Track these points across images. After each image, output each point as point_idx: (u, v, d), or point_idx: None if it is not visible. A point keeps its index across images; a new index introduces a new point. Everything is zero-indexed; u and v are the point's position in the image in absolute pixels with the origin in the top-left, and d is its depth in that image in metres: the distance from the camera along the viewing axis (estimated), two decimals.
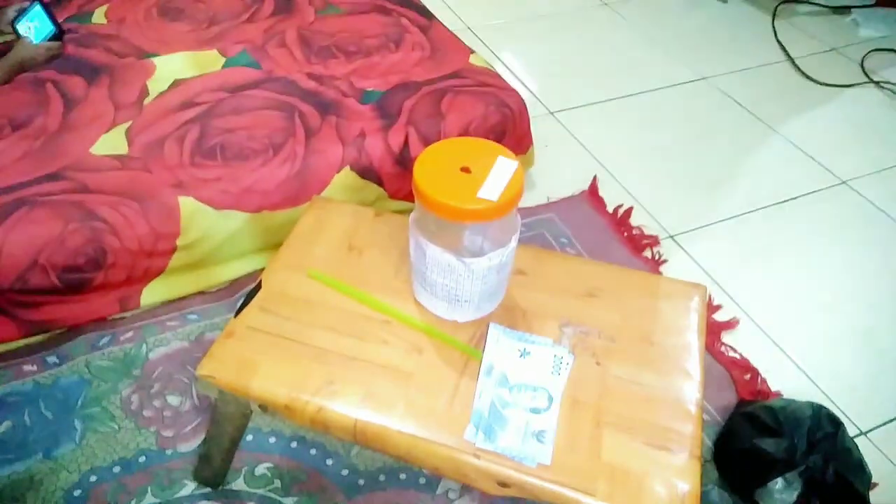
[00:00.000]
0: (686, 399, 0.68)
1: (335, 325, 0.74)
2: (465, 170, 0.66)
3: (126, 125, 1.14)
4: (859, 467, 0.82)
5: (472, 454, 0.63)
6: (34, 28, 1.25)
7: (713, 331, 1.13)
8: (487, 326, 0.74)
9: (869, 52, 1.93)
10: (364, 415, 0.66)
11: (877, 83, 1.82)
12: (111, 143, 1.11)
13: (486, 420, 0.65)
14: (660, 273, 1.24)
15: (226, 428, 0.79)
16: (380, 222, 0.86)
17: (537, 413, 0.66)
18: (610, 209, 1.36)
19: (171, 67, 1.27)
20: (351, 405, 0.67)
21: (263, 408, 0.69)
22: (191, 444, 0.92)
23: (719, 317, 1.17)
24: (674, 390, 0.69)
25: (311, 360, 0.70)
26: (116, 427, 0.94)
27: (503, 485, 0.63)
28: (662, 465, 0.63)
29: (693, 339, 0.74)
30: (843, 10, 2.15)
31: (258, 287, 0.77)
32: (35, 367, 1.00)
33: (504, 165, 0.67)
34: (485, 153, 0.68)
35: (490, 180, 0.65)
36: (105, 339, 1.04)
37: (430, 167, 0.66)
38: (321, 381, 0.68)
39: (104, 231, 1.00)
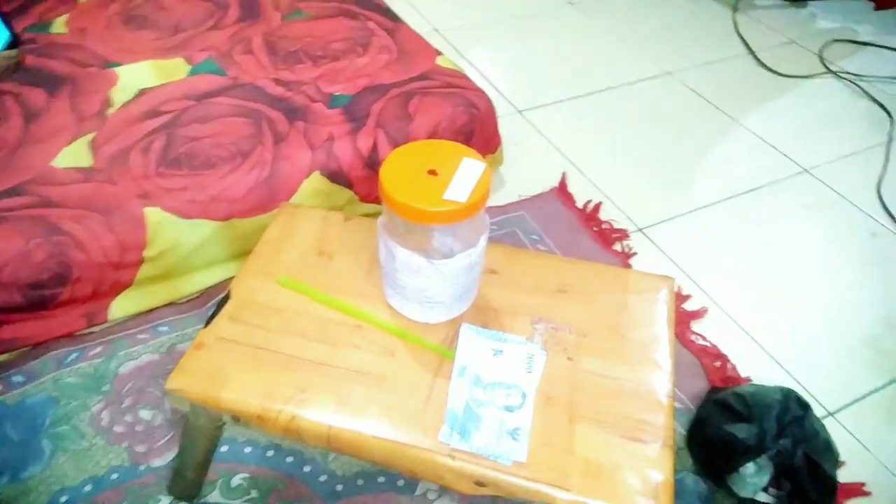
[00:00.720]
0: (657, 390, 0.70)
1: (306, 332, 0.73)
2: (432, 172, 0.66)
3: (90, 136, 1.12)
4: (827, 448, 0.84)
5: (448, 455, 0.63)
6: None
7: (683, 320, 1.15)
8: (460, 327, 0.74)
9: (826, 42, 1.98)
10: (337, 421, 0.66)
11: (835, 73, 1.87)
12: (74, 155, 1.09)
13: (460, 420, 0.65)
14: (630, 266, 1.25)
15: (198, 441, 0.78)
16: (349, 227, 0.86)
17: (511, 411, 0.66)
18: (579, 205, 1.37)
19: (136, 76, 1.25)
20: (324, 412, 0.66)
21: (236, 419, 0.68)
22: (164, 459, 0.91)
23: (689, 306, 1.19)
24: (645, 382, 0.70)
25: (282, 368, 0.69)
26: (87, 445, 0.92)
27: (480, 484, 0.63)
28: (636, 456, 0.64)
29: (662, 331, 0.76)
30: (801, 2, 2.20)
31: (227, 297, 0.76)
32: (0, 387, 0.98)
33: (470, 166, 0.67)
34: (451, 155, 0.69)
35: (456, 182, 0.65)
36: (73, 356, 1.02)
37: (397, 170, 0.66)
38: (293, 389, 0.68)
39: (68, 245, 0.98)
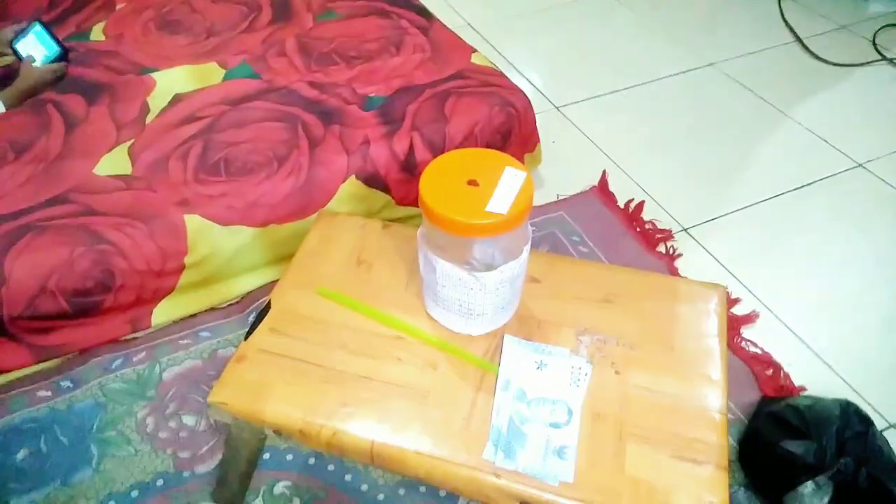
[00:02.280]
0: (710, 406, 0.66)
1: (347, 344, 0.72)
2: (473, 182, 0.64)
3: (128, 144, 1.13)
4: (892, 468, 0.79)
5: (493, 473, 0.62)
6: (39, 50, 1.24)
7: (732, 326, 1.11)
8: (502, 338, 0.72)
9: (880, 28, 1.88)
10: (380, 437, 0.65)
11: (890, 60, 1.77)
12: (114, 163, 1.10)
13: (504, 438, 0.64)
14: (675, 268, 1.21)
15: (241, 452, 0.79)
16: (388, 235, 0.84)
17: (557, 427, 0.64)
18: (621, 204, 1.33)
19: (171, 82, 1.25)
20: (366, 427, 0.65)
21: (278, 433, 0.68)
22: (208, 465, 0.92)
23: (738, 311, 1.14)
24: (697, 398, 0.67)
25: (324, 381, 0.69)
26: (133, 451, 0.93)
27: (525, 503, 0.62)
28: (688, 477, 0.61)
29: (714, 344, 0.72)
30: None
31: (268, 307, 0.76)
32: (49, 393, 1.00)
33: (512, 176, 0.65)
34: (492, 164, 0.66)
35: (498, 192, 0.63)
36: (118, 362, 1.04)
37: (437, 181, 0.64)
38: (335, 403, 0.67)
39: (111, 253, 0.99)
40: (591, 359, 0.71)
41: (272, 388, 0.68)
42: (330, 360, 0.71)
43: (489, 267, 0.66)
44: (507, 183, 0.64)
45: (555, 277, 0.80)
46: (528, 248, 0.68)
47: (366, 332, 0.74)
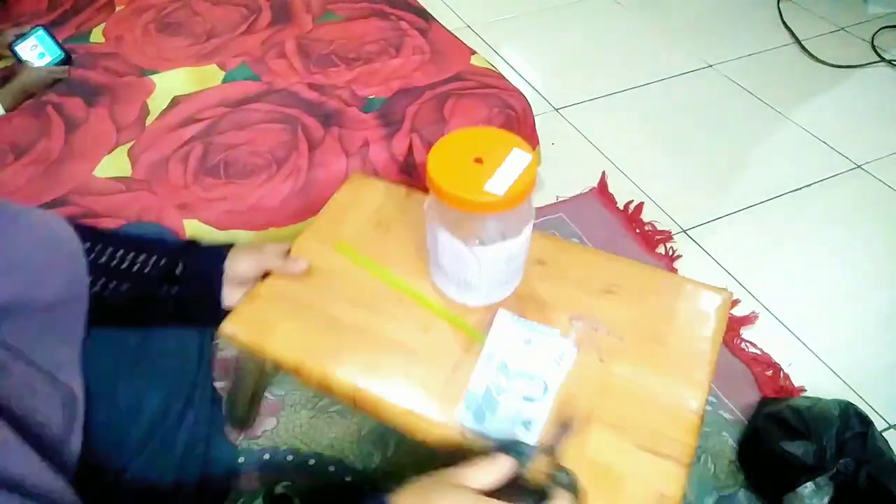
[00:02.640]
0: (686, 406, 0.66)
1: (352, 297, 0.75)
2: (479, 160, 0.65)
3: (128, 145, 1.13)
4: (893, 468, 0.79)
5: (459, 432, 0.64)
6: (41, 54, 1.24)
7: (732, 327, 1.11)
8: (497, 312, 0.73)
9: (879, 29, 1.89)
10: (364, 384, 0.68)
11: (889, 62, 1.78)
12: (115, 164, 1.10)
13: (478, 403, 0.66)
14: (675, 269, 1.21)
15: (247, 378, 0.86)
16: (409, 203, 0.87)
17: (530, 401, 0.66)
18: (620, 205, 1.33)
19: (171, 84, 1.26)
20: (353, 374, 0.68)
21: (277, 367, 0.71)
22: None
23: (738, 312, 1.15)
24: (675, 396, 0.67)
25: (323, 327, 0.72)
26: None
27: None
28: (647, 467, 0.61)
29: (706, 346, 0.71)
30: None
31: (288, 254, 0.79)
32: None
33: (518, 157, 0.65)
34: (500, 144, 0.67)
35: (501, 171, 0.64)
36: None
37: (444, 155, 0.65)
38: (330, 348, 0.70)
39: None
40: (578, 343, 0.71)
41: (276, 327, 0.72)
42: (333, 309, 0.74)
43: (492, 241, 0.66)
44: (511, 163, 0.65)
45: (561, 261, 0.80)
46: (528, 228, 0.69)
47: (371, 289, 0.76)
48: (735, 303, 1.16)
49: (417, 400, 0.67)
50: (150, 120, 1.18)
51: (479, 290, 0.72)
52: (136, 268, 0.67)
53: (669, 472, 0.61)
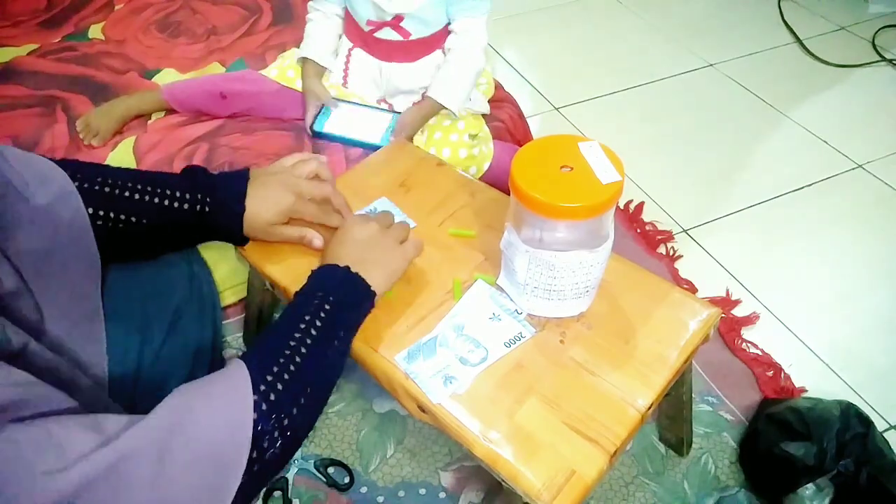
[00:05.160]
0: (631, 401, 0.65)
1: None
2: (566, 167, 0.64)
3: (131, 139, 1.13)
4: (893, 469, 0.79)
5: (403, 373, 0.67)
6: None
7: (733, 327, 1.11)
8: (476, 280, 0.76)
9: (880, 29, 1.88)
10: None
11: (890, 61, 1.78)
12: (120, 161, 1.10)
13: (419, 348, 0.69)
14: (676, 269, 1.21)
15: (255, 296, 0.95)
16: (437, 171, 0.92)
17: (463, 363, 0.67)
18: (621, 205, 1.33)
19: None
20: None
21: (273, 285, 0.79)
22: None
23: (739, 312, 1.14)
24: (623, 390, 0.66)
25: (316, 261, 0.74)
26: None
27: (422, 409, 0.66)
28: (568, 444, 0.61)
29: (673, 354, 0.69)
30: None
31: None
32: None
33: (589, 148, 0.65)
34: (568, 147, 0.66)
35: (597, 168, 0.63)
36: None
37: (530, 163, 0.64)
38: None
39: None
40: (544, 326, 0.71)
41: (280, 254, 0.79)
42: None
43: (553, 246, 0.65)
44: (593, 156, 0.64)
45: None
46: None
47: None
48: (736, 303, 1.16)
49: (379, 337, 0.71)
50: (151, 119, 1.18)
51: (563, 299, 0.69)
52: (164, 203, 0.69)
53: (590, 454, 0.61)
